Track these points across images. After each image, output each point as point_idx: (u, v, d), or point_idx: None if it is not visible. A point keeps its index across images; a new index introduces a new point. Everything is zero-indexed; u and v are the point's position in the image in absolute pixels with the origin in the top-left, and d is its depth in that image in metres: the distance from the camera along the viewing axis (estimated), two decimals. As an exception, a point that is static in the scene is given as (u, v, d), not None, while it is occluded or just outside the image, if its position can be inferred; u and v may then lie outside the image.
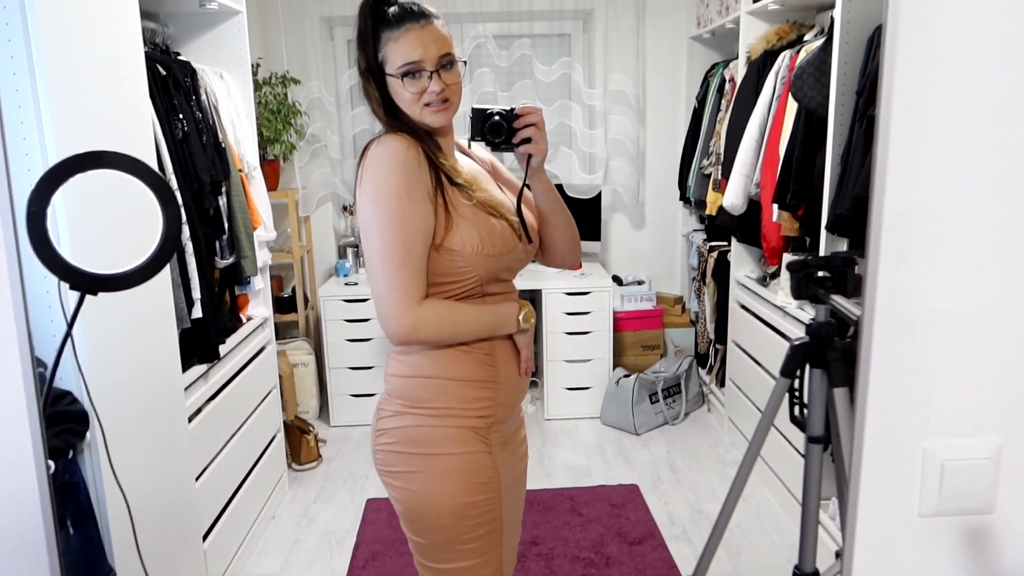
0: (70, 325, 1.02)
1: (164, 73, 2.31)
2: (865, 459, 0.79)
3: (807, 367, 1.30)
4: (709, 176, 3.66)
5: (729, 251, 3.54)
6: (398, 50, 1.30)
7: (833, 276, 1.22)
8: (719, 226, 3.48)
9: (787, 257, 2.82)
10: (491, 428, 1.41)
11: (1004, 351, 0.81)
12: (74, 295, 1.05)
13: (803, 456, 1.41)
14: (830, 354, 1.25)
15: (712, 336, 3.83)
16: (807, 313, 2.65)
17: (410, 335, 1.30)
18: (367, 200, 1.29)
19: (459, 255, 1.32)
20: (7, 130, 1.51)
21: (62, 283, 1.03)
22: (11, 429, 0.91)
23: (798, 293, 1.25)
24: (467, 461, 1.36)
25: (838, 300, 1.19)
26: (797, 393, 1.37)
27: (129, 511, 1.47)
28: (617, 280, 4.21)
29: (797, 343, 1.30)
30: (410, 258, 1.28)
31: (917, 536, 0.84)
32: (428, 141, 1.36)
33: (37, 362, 1.55)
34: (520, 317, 1.40)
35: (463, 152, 1.54)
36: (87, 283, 1.02)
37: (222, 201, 2.58)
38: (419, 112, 1.34)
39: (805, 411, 1.35)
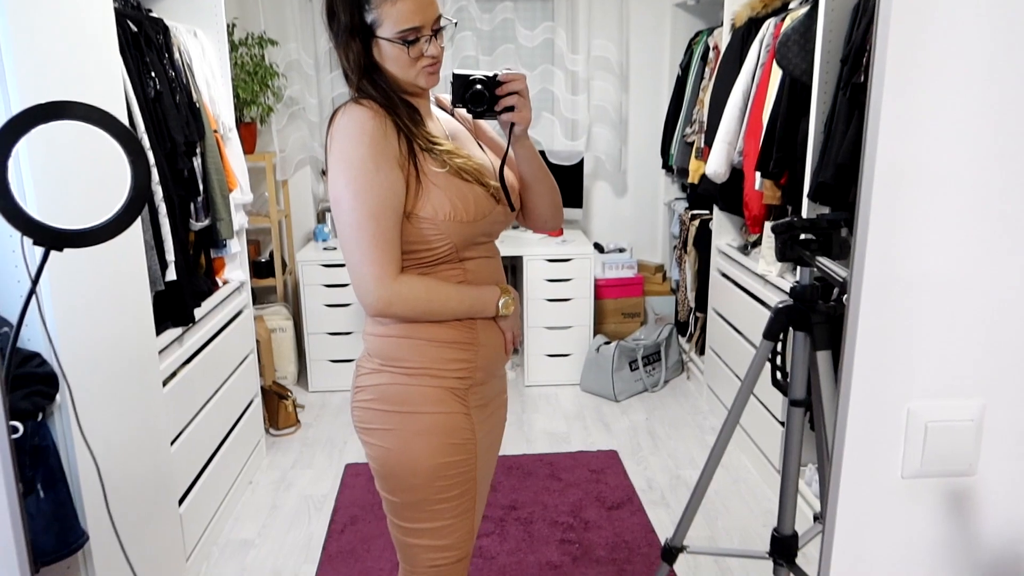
0: (34, 281, 0.99)
1: (135, 30, 2.24)
2: (850, 420, 0.79)
3: (790, 330, 1.30)
4: (692, 144, 3.64)
5: (711, 219, 3.53)
6: (398, 13, 1.26)
7: (818, 238, 1.21)
8: (701, 194, 3.47)
9: (769, 226, 2.82)
10: (469, 390, 1.39)
11: (991, 313, 0.81)
12: (39, 253, 1.01)
13: (781, 424, 1.42)
14: (814, 317, 1.24)
15: (692, 304, 3.84)
16: (788, 281, 2.65)
17: (385, 309, 1.30)
18: (335, 172, 1.28)
19: (431, 223, 1.30)
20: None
21: (25, 239, 0.99)
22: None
23: (783, 255, 1.24)
24: (444, 421, 1.35)
25: (823, 262, 1.18)
26: (779, 357, 1.36)
27: (99, 474, 1.44)
28: (598, 247, 4.19)
29: (781, 306, 1.30)
30: (380, 230, 1.26)
31: (899, 497, 0.83)
32: (401, 107, 1.32)
33: (2, 321, 1.51)
34: (500, 303, 1.38)
35: (443, 108, 1.50)
36: (51, 238, 0.99)
37: (196, 162, 2.52)
38: (415, 75, 1.31)
39: (788, 375, 1.35)
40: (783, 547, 1.48)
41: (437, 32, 1.30)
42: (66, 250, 1.02)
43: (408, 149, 1.29)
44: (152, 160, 2.16)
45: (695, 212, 3.80)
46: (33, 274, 0.99)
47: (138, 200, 1.01)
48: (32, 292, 0.98)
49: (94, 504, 1.70)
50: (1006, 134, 0.77)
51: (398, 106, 1.31)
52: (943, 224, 0.78)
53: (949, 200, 0.78)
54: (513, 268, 4.23)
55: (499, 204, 1.39)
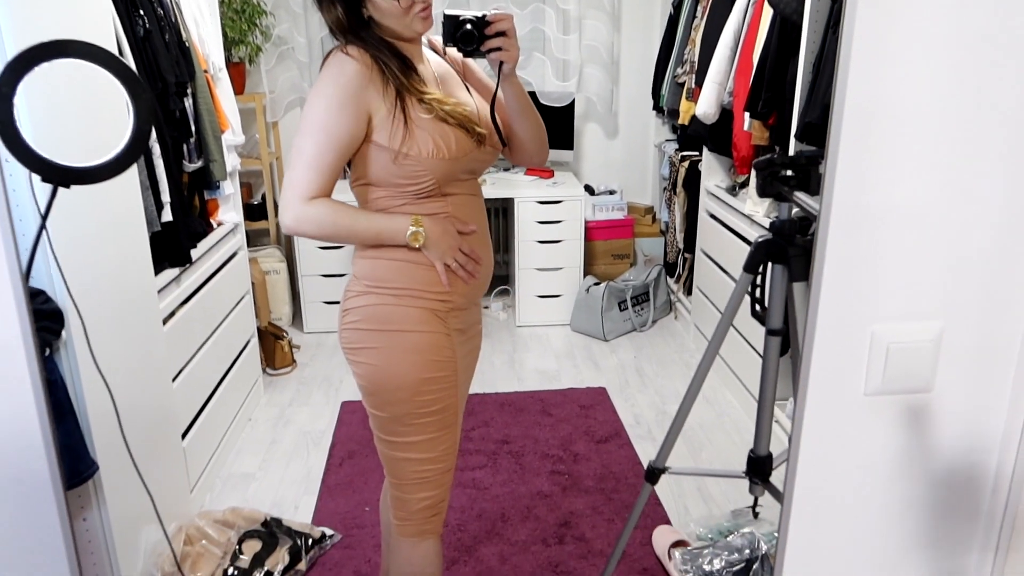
0: (44, 216, 1.03)
1: (122, -34, 2.22)
2: (817, 341, 0.85)
3: (769, 264, 1.36)
4: (683, 85, 3.64)
5: (700, 161, 3.56)
6: None
7: (797, 175, 1.26)
8: (691, 136, 3.49)
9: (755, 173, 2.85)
10: (450, 313, 1.48)
11: (950, 242, 0.86)
12: (43, 193, 1.05)
13: (762, 357, 1.49)
14: (791, 250, 1.30)
15: (681, 245, 3.89)
16: (774, 221, 2.70)
17: (294, 227, 1.38)
18: (307, 104, 1.38)
19: (415, 160, 1.38)
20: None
21: (33, 176, 1.03)
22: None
23: (763, 191, 1.29)
24: (426, 339, 1.44)
25: (802, 197, 1.23)
26: (758, 289, 1.42)
27: (114, 404, 1.50)
28: (589, 189, 4.22)
29: (760, 240, 1.35)
30: (316, 161, 1.35)
31: (862, 412, 0.90)
32: (391, 58, 1.38)
33: (9, 259, 1.55)
34: (407, 233, 1.40)
35: (435, 50, 1.55)
36: (59, 175, 1.02)
37: (188, 103, 2.52)
38: (410, 22, 1.37)
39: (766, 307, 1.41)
40: (758, 466, 1.57)
41: None
42: (65, 190, 1.06)
43: (397, 97, 1.37)
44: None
45: (685, 154, 3.83)
46: (43, 211, 1.02)
47: (142, 137, 1.04)
48: (42, 227, 1.02)
49: (102, 436, 1.76)
50: (968, 74, 0.82)
51: (388, 58, 1.38)
52: (907, 158, 0.83)
53: (913, 136, 0.82)
54: (504, 210, 4.26)
55: (480, 145, 1.46)
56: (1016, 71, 0.82)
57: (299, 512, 2.47)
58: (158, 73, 2.29)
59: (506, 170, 4.26)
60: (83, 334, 1.51)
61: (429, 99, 1.39)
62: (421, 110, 1.38)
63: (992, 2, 0.80)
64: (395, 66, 1.38)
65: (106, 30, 1.94)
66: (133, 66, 2.13)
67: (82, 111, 1.73)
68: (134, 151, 1.04)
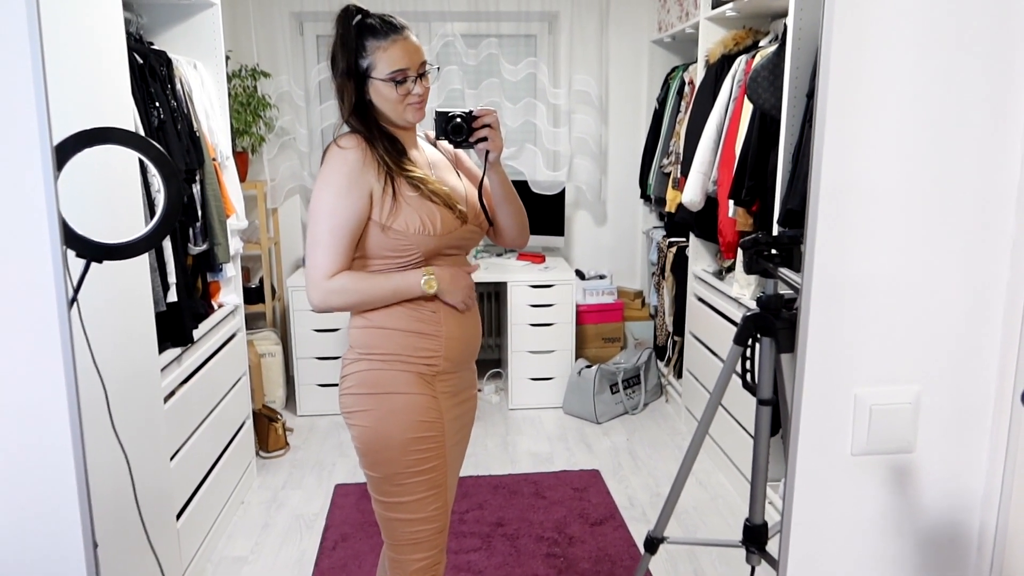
0: (76, 289, 1.09)
1: (141, 62, 2.36)
2: (804, 405, 0.91)
3: (758, 336, 1.43)
4: (669, 175, 3.80)
5: (687, 246, 3.68)
6: (388, 58, 1.49)
7: (781, 253, 1.36)
8: (678, 222, 3.62)
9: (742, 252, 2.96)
10: (436, 377, 1.57)
11: (923, 310, 0.94)
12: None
13: (752, 437, 1.55)
14: (778, 323, 1.38)
15: (670, 329, 3.97)
16: (760, 303, 2.78)
17: (320, 303, 1.51)
18: (316, 190, 1.52)
19: (403, 235, 1.51)
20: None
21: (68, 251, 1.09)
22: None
23: (749, 268, 1.38)
24: (413, 401, 1.53)
25: (786, 273, 1.32)
26: (749, 362, 1.49)
27: (131, 476, 1.53)
28: (579, 274, 4.33)
29: (749, 314, 1.43)
30: (333, 243, 1.49)
31: (849, 472, 0.95)
32: (383, 139, 1.53)
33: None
34: (421, 282, 1.52)
35: (430, 142, 1.71)
36: (93, 251, 1.09)
37: (196, 189, 2.62)
38: (402, 111, 1.53)
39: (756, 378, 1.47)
40: (754, 535, 1.60)
41: (422, 75, 1.52)
42: (76, 267, 1.12)
43: (386, 174, 1.51)
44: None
45: (672, 239, 3.95)
46: (74, 284, 1.09)
47: (171, 216, 1.12)
48: (74, 299, 1.08)
49: (100, 513, 1.77)
50: (931, 157, 0.91)
51: (379, 138, 1.53)
52: (880, 234, 0.91)
53: (884, 214, 0.91)
54: (497, 294, 4.35)
55: (464, 224, 1.58)
56: (974, 153, 0.91)
57: (291, 596, 2.43)
58: (170, 161, 2.39)
59: (499, 255, 4.37)
60: (102, 406, 1.55)
61: (414, 178, 1.52)
62: (408, 188, 1.51)
63: (945, 90, 0.91)
64: (385, 147, 1.52)
65: (126, 120, 2.05)
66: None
67: (94, 187, 1.82)
68: (164, 228, 1.11)
